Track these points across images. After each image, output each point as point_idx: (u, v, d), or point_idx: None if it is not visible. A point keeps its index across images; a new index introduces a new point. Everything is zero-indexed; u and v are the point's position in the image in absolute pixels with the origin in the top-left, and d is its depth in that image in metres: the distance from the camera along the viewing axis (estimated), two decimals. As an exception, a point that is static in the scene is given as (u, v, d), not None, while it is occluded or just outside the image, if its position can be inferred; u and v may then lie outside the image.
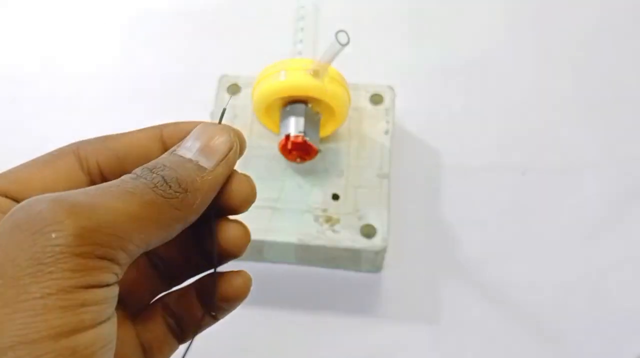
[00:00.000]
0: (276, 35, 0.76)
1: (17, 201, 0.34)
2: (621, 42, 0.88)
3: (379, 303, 0.70)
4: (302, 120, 0.66)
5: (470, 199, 0.76)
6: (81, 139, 0.39)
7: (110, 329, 0.31)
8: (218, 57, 0.88)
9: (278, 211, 0.68)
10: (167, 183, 0.34)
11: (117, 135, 0.38)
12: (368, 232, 0.67)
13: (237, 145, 0.38)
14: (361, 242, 0.66)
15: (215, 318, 0.41)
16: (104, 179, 0.37)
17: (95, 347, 0.30)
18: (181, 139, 0.37)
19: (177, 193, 0.34)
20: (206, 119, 0.74)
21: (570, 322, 0.68)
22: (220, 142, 0.37)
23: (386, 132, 0.73)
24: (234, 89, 0.76)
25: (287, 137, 0.65)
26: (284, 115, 0.67)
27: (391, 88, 0.76)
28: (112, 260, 0.31)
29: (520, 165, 0.78)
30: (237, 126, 0.69)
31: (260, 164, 0.71)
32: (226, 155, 0.36)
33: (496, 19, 0.91)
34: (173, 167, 0.34)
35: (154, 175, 0.34)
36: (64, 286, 0.29)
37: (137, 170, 0.34)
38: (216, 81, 0.77)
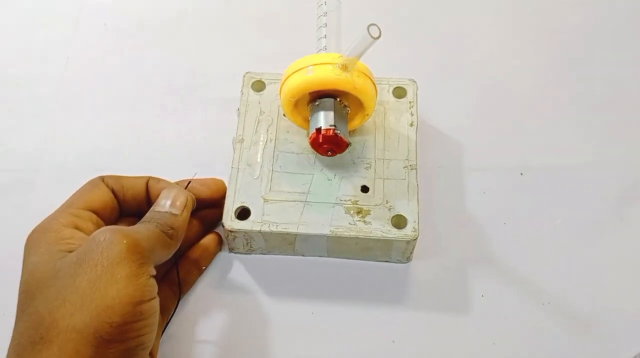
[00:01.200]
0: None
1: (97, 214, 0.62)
2: (621, 42, 0.90)
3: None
4: (331, 114, 0.66)
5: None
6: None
7: (156, 302, 0.55)
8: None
9: (309, 204, 0.69)
10: (163, 226, 0.60)
11: (123, 176, 0.65)
12: (399, 222, 0.68)
13: (191, 199, 0.64)
14: (392, 233, 0.67)
15: (200, 271, 0.71)
16: (116, 195, 0.65)
17: (152, 312, 0.54)
18: (157, 188, 0.65)
19: (170, 230, 0.60)
20: (233, 115, 0.76)
21: (569, 322, 0.69)
22: (181, 200, 0.63)
23: (411, 125, 0.74)
24: (258, 86, 0.77)
25: (318, 130, 0.66)
26: (314, 110, 0.68)
27: (414, 81, 0.77)
28: (151, 262, 0.56)
29: (519, 165, 0.79)
30: (264, 123, 0.74)
31: (289, 159, 0.72)
32: (185, 206, 0.63)
33: (496, 19, 0.93)
34: (162, 218, 0.61)
35: (156, 223, 0.59)
36: (134, 272, 0.53)
37: (146, 219, 0.61)
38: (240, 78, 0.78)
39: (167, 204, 0.62)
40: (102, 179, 0.63)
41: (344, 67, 0.64)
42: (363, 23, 0.60)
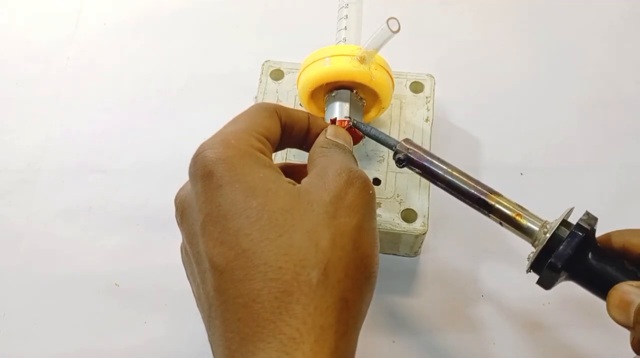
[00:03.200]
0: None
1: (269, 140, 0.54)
2: (621, 43, 0.90)
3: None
4: (347, 105, 0.67)
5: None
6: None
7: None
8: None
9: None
10: (343, 147, 0.57)
11: (288, 107, 0.58)
12: (408, 216, 0.69)
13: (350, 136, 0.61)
14: (402, 226, 0.68)
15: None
16: (283, 129, 0.57)
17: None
18: (317, 124, 0.60)
19: (349, 148, 0.58)
20: (251, 103, 0.75)
21: (569, 322, 0.70)
22: (345, 134, 0.60)
23: (426, 120, 0.75)
24: (276, 75, 0.78)
25: (333, 121, 0.66)
26: (330, 101, 0.68)
27: (431, 76, 0.78)
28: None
29: (519, 165, 0.80)
30: None
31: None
32: (345, 138, 0.59)
33: (495, 20, 0.94)
34: (338, 142, 0.57)
35: (332, 146, 0.56)
36: (375, 227, 0.50)
37: (325, 145, 0.56)
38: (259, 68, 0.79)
39: (332, 135, 0.59)
40: (275, 109, 0.57)
41: (362, 60, 0.65)
42: (384, 16, 0.60)
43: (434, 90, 0.77)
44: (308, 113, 0.60)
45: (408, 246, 0.71)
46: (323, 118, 0.66)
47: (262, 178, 0.48)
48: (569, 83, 0.87)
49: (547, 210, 0.75)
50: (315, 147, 0.56)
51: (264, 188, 0.47)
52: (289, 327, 0.42)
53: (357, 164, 0.56)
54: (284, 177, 0.50)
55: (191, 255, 0.49)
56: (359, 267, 0.46)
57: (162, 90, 0.87)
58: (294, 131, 0.58)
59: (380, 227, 0.68)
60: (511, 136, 0.82)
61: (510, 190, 0.76)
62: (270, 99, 0.76)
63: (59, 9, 0.95)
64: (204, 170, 0.48)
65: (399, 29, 0.60)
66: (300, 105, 0.72)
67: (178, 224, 0.51)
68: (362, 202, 0.48)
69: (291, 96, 0.77)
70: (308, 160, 0.56)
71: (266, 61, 0.79)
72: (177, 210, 0.52)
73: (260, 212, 0.45)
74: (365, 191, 0.49)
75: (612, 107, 0.84)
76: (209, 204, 0.47)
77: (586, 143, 0.81)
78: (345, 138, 0.59)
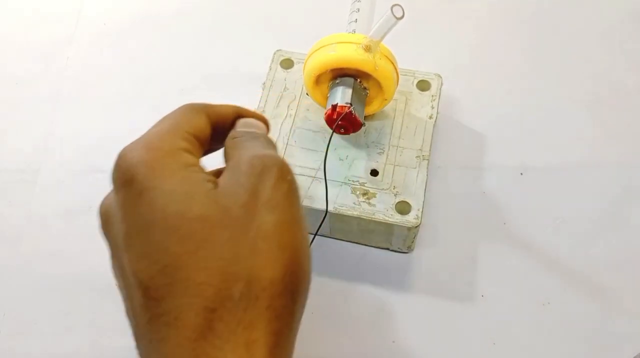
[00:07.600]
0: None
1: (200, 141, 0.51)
2: (621, 42, 0.90)
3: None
4: (349, 91, 0.68)
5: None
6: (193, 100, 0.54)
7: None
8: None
9: (317, 181, 0.71)
10: (253, 133, 0.52)
11: (218, 104, 0.54)
12: (403, 208, 0.69)
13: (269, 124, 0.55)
14: (395, 217, 0.68)
15: None
16: (213, 122, 0.54)
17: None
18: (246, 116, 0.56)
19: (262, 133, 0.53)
20: (258, 90, 0.78)
21: (569, 322, 0.69)
22: (257, 123, 0.54)
23: (430, 117, 0.75)
24: (286, 64, 0.80)
25: (334, 107, 0.67)
26: (333, 87, 0.70)
27: (439, 76, 0.78)
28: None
29: (519, 165, 0.80)
30: (286, 99, 0.76)
31: (305, 136, 0.74)
32: (257, 126, 0.54)
33: (494, 19, 0.94)
34: (248, 130, 0.53)
35: (243, 134, 0.52)
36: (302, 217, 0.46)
37: (235, 134, 0.52)
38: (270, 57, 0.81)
39: (253, 126, 0.54)
40: (203, 107, 0.52)
41: (367, 48, 0.66)
42: (396, 3, 0.62)
43: (440, 89, 0.78)
44: (235, 106, 0.55)
45: (401, 239, 0.71)
46: (253, 111, 0.59)
47: (180, 180, 0.44)
48: (570, 83, 0.87)
49: (548, 210, 0.75)
50: (227, 140, 0.52)
51: (182, 192, 0.43)
52: (211, 346, 0.40)
53: (273, 148, 0.52)
54: (206, 176, 0.46)
55: (116, 268, 0.47)
56: (287, 266, 0.43)
57: (162, 90, 0.88)
58: (225, 127, 0.54)
59: (374, 217, 0.68)
60: (511, 136, 0.82)
61: (510, 190, 0.77)
62: (278, 88, 0.78)
63: (59, 9, 0.96)
64: (125, 177, 0.45)
65: (403, 16, 0.61)
66: (307, 94, 0.73)
67: (103, 236, 0.48)
68: (280, 193, 0.44)
69: (298, 85, 0.78)
70: (223, 156, 0.52)
71: (277, 50, 0.81)
72: (101, 220, 0.48)
73: (180, 221, 0.42)
74: (282, 179, 0.45)
75: (612, 107, 0.84)
76: (131, 214, 0.44)
77: (586, 143, 0.81)
78: (258, 126, 0.54)
